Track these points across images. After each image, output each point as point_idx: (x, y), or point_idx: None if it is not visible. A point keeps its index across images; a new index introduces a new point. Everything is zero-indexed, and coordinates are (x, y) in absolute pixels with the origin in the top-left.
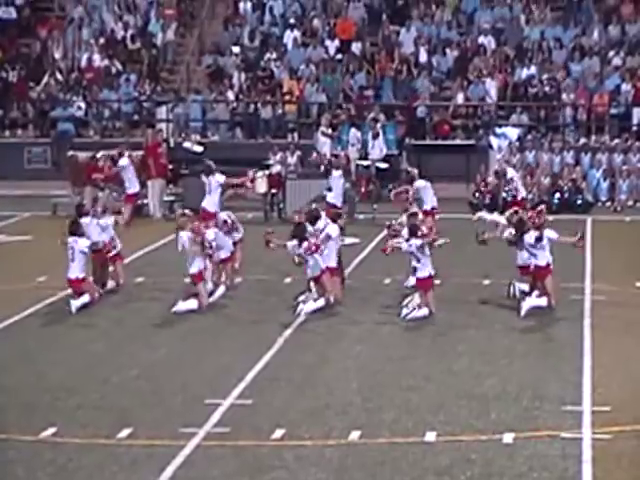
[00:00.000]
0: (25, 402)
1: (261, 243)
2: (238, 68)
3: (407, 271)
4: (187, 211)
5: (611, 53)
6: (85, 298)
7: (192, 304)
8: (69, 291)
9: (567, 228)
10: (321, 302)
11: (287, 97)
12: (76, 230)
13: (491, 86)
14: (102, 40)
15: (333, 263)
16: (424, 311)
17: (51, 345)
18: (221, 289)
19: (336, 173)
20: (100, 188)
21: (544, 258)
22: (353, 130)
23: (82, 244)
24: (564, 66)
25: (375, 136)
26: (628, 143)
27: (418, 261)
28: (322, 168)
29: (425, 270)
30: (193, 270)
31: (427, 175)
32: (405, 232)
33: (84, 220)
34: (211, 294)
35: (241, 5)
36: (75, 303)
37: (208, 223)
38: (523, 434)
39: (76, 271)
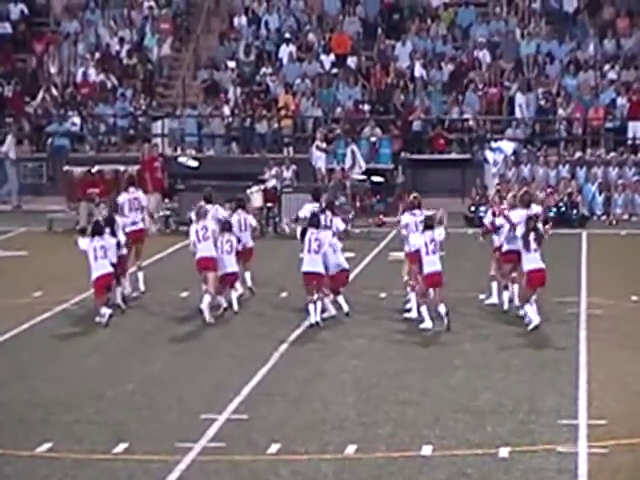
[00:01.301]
0: (20, 417)
1: (256, 257)
2: (234, 83)
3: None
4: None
5: (606, 67)
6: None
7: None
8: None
9: (563, 242)
10: None
11: (283, 112)
12: (100, 230)
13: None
14: (97, 55)
15: None
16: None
17: (46, 360)
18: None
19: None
20: (95, 203)
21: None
22: (354, 146)
23: (109, 240)
24: (559, 80)
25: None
26: (623, 157)
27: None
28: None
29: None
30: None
31: (423, 189)
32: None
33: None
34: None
35: (236, 20)
36: (105, 312)
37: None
38: (519, 448)
39: (104, 268)
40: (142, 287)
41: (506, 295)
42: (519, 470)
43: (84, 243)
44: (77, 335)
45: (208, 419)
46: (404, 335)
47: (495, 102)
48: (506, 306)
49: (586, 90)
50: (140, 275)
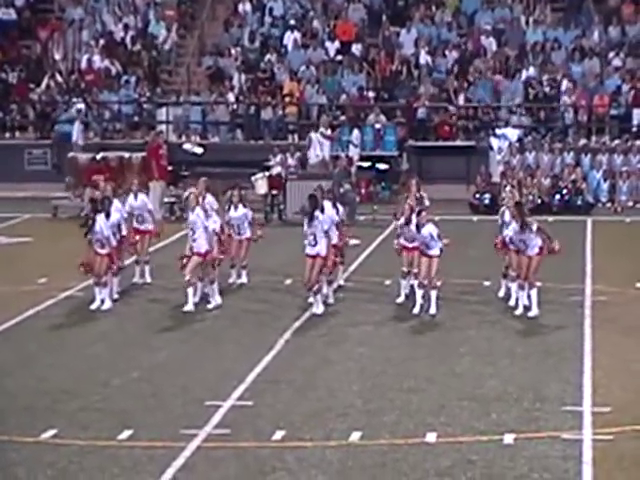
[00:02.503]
0: (26, 405)
1: (261, 245)
2: (238, 69)
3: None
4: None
5: (611, 54)
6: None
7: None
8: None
9: (567, 229)
10: None
11: (287, 99)
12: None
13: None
14: (102, 42)
15: None
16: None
17: (51, 348)
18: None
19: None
20: (95, 187)
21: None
22: (356, 131)
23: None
24: (564, 67)
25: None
26: (628, 144)
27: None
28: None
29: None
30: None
31: (428, 176)
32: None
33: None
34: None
35: (241, 6)
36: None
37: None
38: (524, 435)
39: None
40: (148, 279)
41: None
42: (524, 457)
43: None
44: (82, 322)
45: (213, 406)
46: (409, 322)
47: (500, 89)
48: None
49: (591, 77)
50: (147, 268)
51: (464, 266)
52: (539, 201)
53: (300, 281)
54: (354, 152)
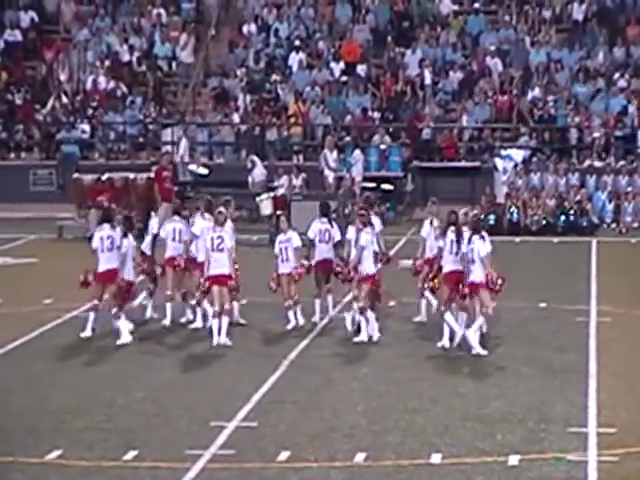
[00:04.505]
0: (30, 425)
1: (266, 264)
2: (243, 90)
3: None
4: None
5: (616, 75)
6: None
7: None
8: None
9: (572, 250)
10: None
11: (292, 119)
12: (109, 217)
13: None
14: (107, 63)
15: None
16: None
17: (56, 368)
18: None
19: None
20: (99, 208)
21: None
22: (357, 151)
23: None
24: (569, 88)
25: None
26: (633, 165)
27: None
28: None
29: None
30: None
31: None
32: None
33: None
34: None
35: (246, 27)
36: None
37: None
38: (529, 456)
39: (110, 262)
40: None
41: None
42: (529, 478)
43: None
44: (87, 342)
45: (218, 426)
46: (414, 343)
47: (505, 110)
48: None
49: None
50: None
51: None
52: (544, 222)
53: (303, 300)
54: (356, 172)
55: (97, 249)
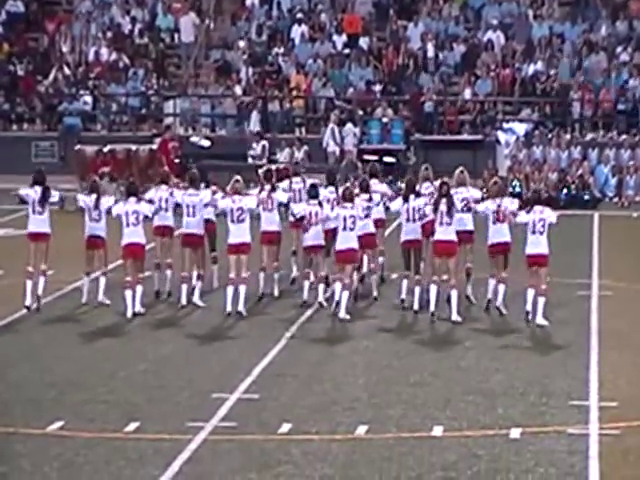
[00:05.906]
0: (32, 397)
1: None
2: (245, 63)
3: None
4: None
5: (619, 49)
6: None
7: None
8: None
9: (574, 224)
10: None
11: (294, 92)
12: (134, 191)
13: None
14: (110, 34)
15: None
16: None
17: (57, 340)
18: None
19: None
20: (111, 178)
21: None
22: (349, 124)
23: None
24: (571, 62)
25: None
26: (635, 139)
27: None
28: None
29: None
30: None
31: (434, 170)
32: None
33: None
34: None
35: (248, 0)
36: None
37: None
38: (530, 430)
39: (135, 235)
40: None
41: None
42: (530, 451)
43: (118, 208)
44: (89, 315)
45: (219, 399)
46: (416, 316)
47: (507, 83)
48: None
49: (598, 72)
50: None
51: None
52: (546, 195)
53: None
54: (350, 145)
55: (119, 218)
